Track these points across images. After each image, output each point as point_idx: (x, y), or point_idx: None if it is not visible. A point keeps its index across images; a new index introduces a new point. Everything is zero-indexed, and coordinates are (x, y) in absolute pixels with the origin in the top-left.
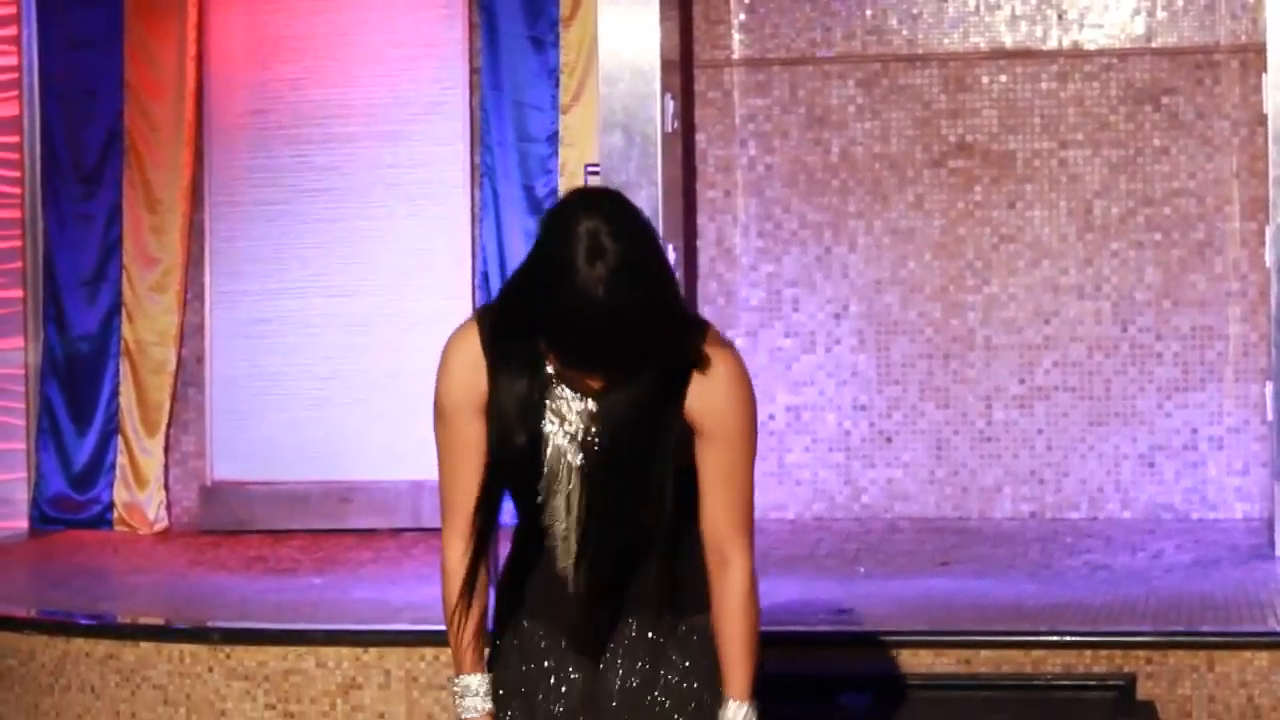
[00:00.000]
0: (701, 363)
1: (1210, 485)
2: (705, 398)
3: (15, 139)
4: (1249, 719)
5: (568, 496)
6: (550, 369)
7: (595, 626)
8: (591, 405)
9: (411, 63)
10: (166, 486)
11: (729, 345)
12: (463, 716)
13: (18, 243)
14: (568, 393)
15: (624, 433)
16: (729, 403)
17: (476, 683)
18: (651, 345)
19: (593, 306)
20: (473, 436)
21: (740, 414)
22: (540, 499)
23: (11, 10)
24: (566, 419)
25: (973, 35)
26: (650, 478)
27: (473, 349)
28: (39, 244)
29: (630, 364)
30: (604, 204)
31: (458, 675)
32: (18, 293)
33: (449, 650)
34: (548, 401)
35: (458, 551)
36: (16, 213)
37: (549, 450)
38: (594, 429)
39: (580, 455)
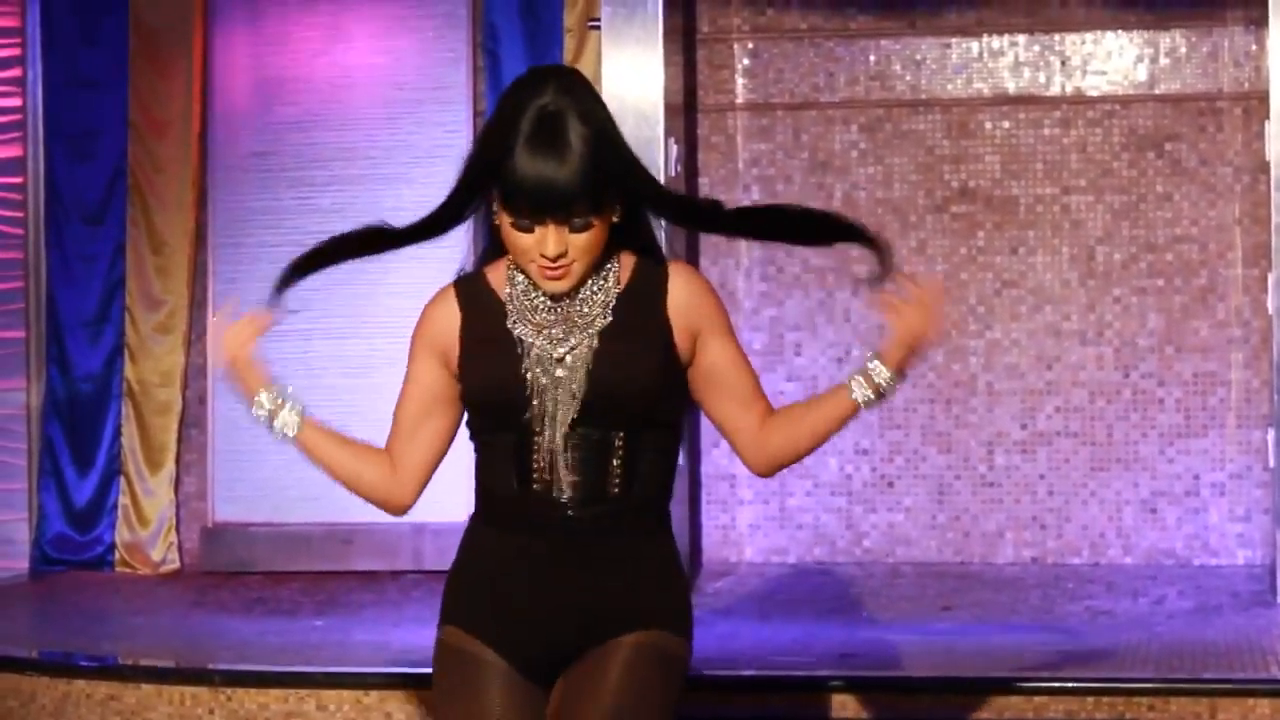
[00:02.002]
0: (671, 273)
1: (1212, 531)
2: (688, 301)
3: (19, 179)
4: None
5: (556, 423)
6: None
7: (575, 539)
8: (580, 335)
9: (415, 106)
10: (177, 529)
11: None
12: (283, 432)
13: (19, 283)
14: (552, 325)
15: (620, 358)
16: (709, 299)
17: (270, 398)
18: (603, 189)
19: (546, 143)
20: (425, 378)
21: (721, 307)
22: (524, 427)
23: (15, 52)
24: (553, 351)
25: (976, 81)
26: (644, 395)
27: (448, 309)
28: (41, 284)
29: (581, 206)
30: (558, 70)
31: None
32: (19, 333)
33: None
34: (531, 336)
35: (385, 447)
36: (18, 254)
37: (537, 384)
38: (588, 355)
39: (573, 384)
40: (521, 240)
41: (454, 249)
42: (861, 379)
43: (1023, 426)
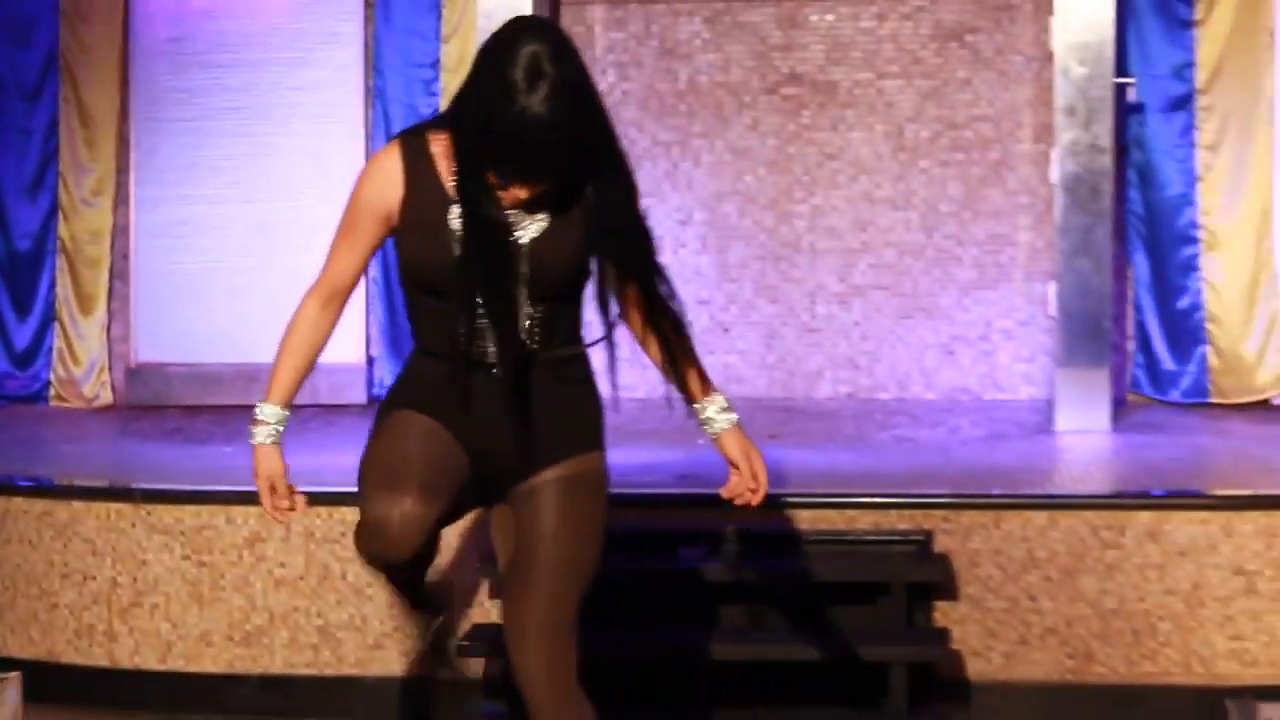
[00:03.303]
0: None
1: (1001, 371)
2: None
3: None
4: (1027, 568)
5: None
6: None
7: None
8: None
9: None
10: (110, 367)
11: None
12: (252, 441)
13: None
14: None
15: (551, 248)
16: (634, 208)
17: (276, 415)
18: (585, 157)
19: (535, 122)
20: (365, 233)
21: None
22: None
23: None
24: (516, 229)
25: None
26: (568, 279)
27: (393, 166)
28: None
29: (564, 175)
30: (543, 31)
31: (264, 402)
32: None
33: (342, 509)
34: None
35: (317, 306)
36: None
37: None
38: (525, 246)
39: (526, 257)
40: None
41: (349, 124)
42: (712, 412)
43: (840, 280)
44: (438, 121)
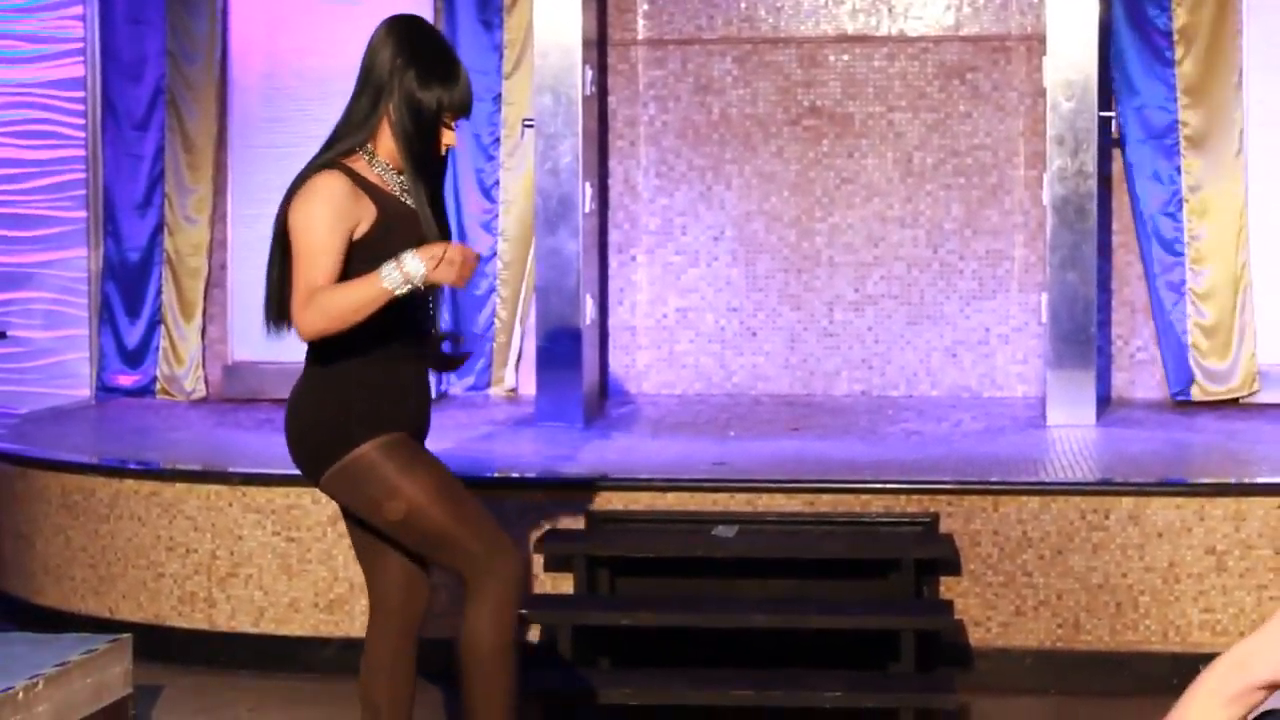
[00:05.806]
0: None
1: (999, 371)
2: None
3: (80, 94)
4: (1023, 547)
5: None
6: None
7: (435, 360)
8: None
9: None
10: (204, 365)
11: None
12: (400, 286)
13: (82, 174)
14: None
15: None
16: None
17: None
18: None
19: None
20: (343, 242)
21: None
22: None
23: None
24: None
25: (822, 23)
26: None
27: (349, 187)
28: (99, 176)
29: None
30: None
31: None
32: (83, 213)
33: None
34: (419, 208)
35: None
36: (81, 151)
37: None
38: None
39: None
40: (449, 133)
41: None
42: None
43: (855, 290)
44: (337, 151)
